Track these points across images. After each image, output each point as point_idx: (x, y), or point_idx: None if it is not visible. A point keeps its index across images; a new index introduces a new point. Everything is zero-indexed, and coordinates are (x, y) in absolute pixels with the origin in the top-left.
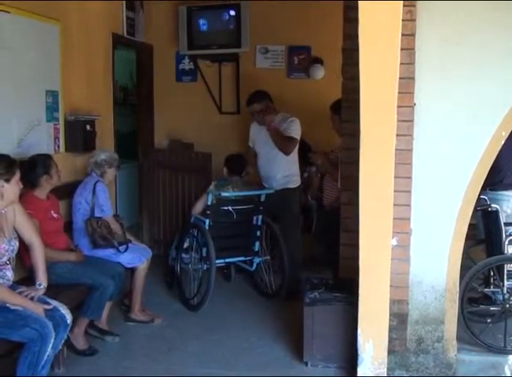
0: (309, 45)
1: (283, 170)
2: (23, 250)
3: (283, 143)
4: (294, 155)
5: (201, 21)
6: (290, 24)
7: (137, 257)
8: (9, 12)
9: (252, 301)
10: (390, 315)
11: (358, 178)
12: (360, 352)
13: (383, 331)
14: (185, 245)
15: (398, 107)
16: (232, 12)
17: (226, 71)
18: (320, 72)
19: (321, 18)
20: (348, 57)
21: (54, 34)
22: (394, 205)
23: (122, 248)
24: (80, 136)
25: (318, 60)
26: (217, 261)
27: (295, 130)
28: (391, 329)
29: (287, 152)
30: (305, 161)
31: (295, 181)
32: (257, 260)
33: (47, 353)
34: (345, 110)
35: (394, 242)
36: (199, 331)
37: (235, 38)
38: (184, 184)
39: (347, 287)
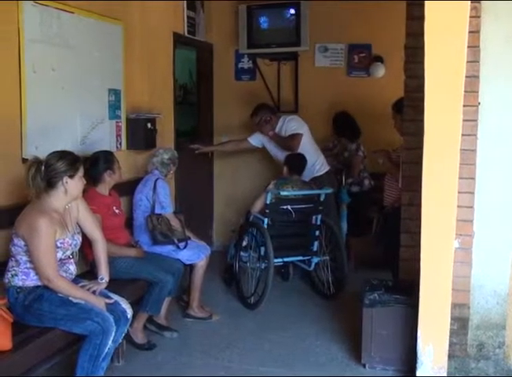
0: (370, 44)
1: None
2: (86, 244)
3: (284, 143)
4: (307, 146)
5: (261, 20)
6: (350, 23)
7: (195, 254)
8: (73, 13)
9: (309, 300)
10: (451, 319)
11: (420, 178)
12: (419, 355)
13: (444, 334)
14: (244, 243)
15: (463, 106)
16: (292, 11)
17: (285, 70)
18: (380, 70)
19: (382, 16)
20: (410, 55)
21: (117, 34)
22: (457, 206)
23: (181, 245)
24: (141, 134)
25: (379, 59)
26: (275, 260)
27: (294, 126)
28: (451, 333)
29: (292, 149)
30: (351, 133)
31: (318, 170)
32: (315, 260)
33: (108, 346)
34: (407, 109)
35: (457, 244)
36: (257, 330)
37: (295, 36)
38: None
39: (407, 289)
